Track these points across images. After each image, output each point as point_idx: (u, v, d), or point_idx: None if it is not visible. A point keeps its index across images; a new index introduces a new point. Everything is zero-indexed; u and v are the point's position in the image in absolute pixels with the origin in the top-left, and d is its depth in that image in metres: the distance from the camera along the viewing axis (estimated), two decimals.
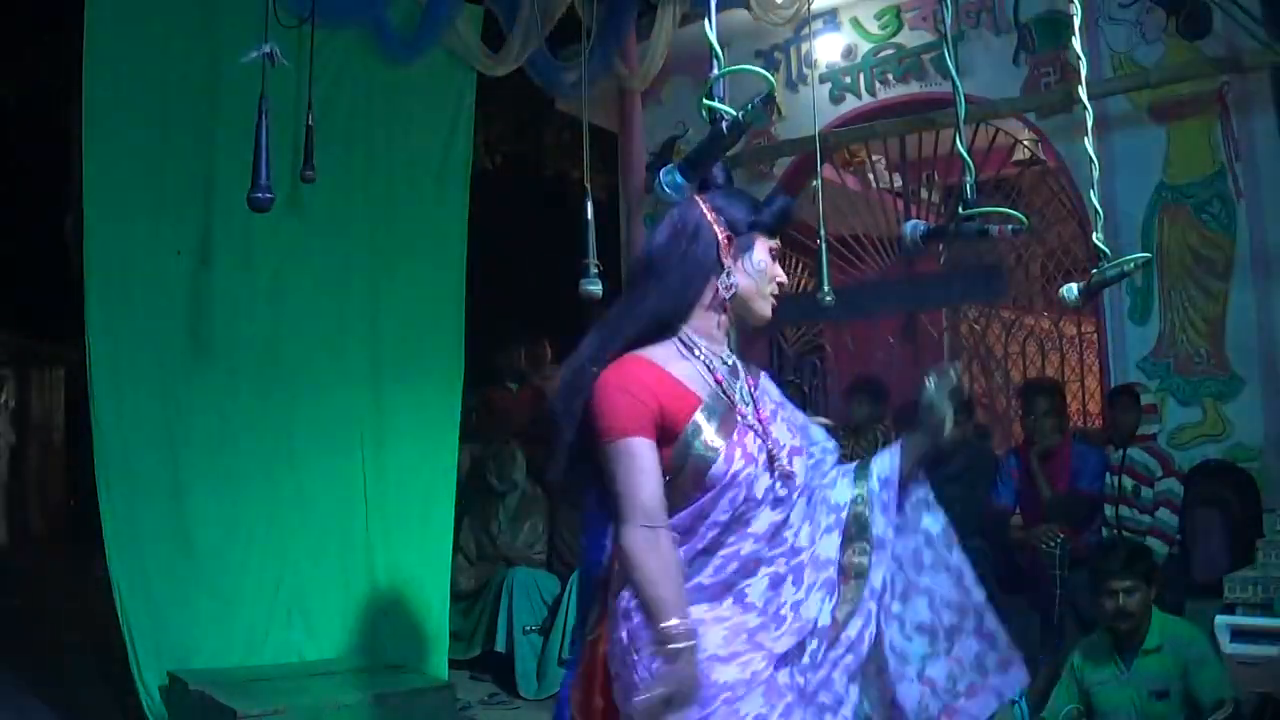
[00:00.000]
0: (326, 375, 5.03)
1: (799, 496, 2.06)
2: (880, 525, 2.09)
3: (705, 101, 2.06)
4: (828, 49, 6.38)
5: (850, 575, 2.06)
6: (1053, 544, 4.64)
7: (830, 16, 6.33)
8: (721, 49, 2.27)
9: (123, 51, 4.45)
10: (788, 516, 2.02)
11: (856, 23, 6.33)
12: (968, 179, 3.06)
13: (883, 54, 6.25)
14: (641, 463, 1.91)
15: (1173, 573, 4.49)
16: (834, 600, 2.04)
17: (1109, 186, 5.13)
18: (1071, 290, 3.10)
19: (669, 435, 1.94)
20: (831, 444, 2.24)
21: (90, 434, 4.53)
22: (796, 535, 2.04)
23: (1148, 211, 5.32)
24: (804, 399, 6.33)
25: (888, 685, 2.03)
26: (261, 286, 4.87)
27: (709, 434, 1.95)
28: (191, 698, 4.18)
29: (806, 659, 2.01)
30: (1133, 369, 5.35)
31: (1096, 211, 3.17)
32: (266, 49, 3.32)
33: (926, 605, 2.06)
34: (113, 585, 4.37)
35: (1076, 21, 3.27)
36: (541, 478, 6.16)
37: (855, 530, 2.09)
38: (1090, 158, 3.15)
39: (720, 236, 2.05)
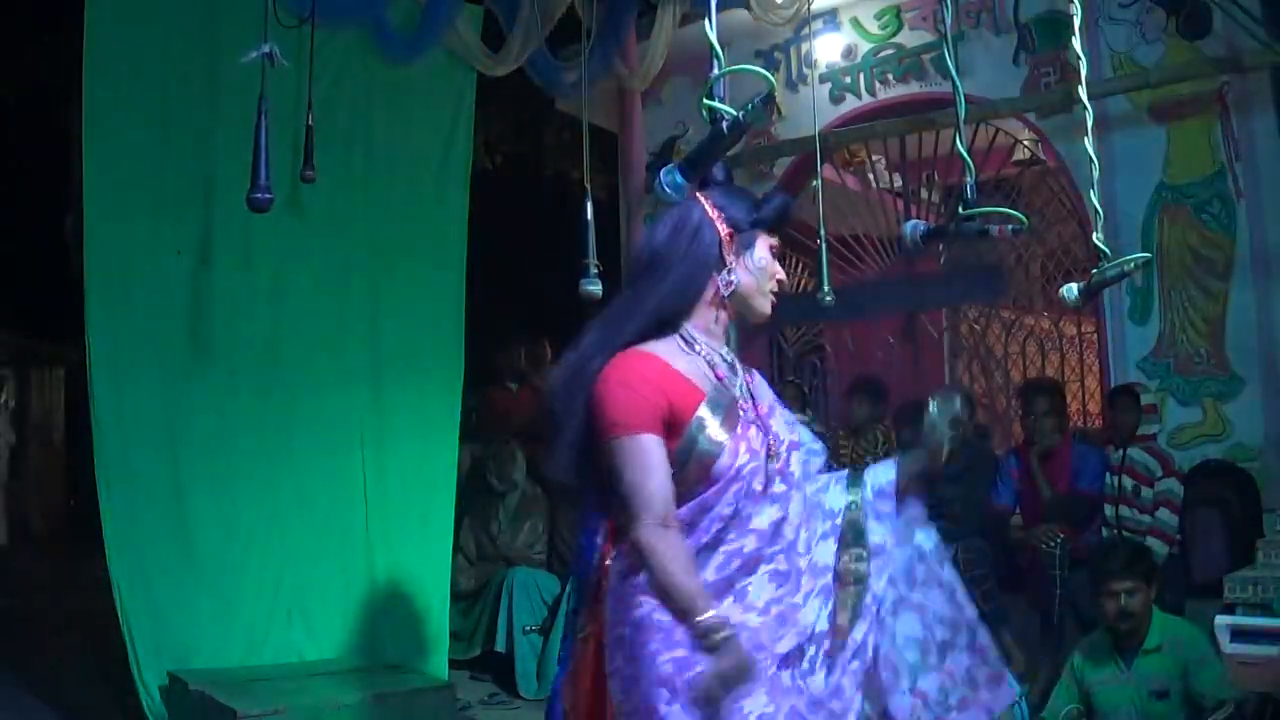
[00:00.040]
0: (326, 375, 5.03)
1: (795, 491, 2.06)
2: (878, 533, 2.10)
3: (705, 101, 2.06)
4: (828, 49, 6.38)
5: (848, 581, 2.06)
6: (1053, 544, 4.64)
7: (830, 16, 6.34)
8: (721, 49, 2.27)
9: (123, 51, 4.45)
10: (786, 513, 2.03)
11: (856, 23, 6.33)
12: (968, 179, 3.06)
13: (883, 54, 6.25)
14: (650, 459, 1.91)
15: (1173, 573, 4.49)
16: (830, 606, 2.05)
17: (1109, 186, 5.14)
18: (1071, 290, 3.10)
19: (674, 429, 1.94)
20: (819, 445, 2.25)
21: (90, 434, 4.53)
22: (796, 532, 2.05)
23: (1148, 211, 5.32)
24: (804, 399, 6.33)
25: (881, 697, 2.03)
26: (261, 286, 4.87)
27: (713, 428, 1.96)
28: (191, 698, 4.18)
29: (805, 664, 2.01)
30: (1133, 369, 5.35)
31: (1096, 211, 3.17)
32: (266, 49, 3.32)
33: (918, 620, 2.06)
34: (113, 585, 4.37)
35: (1076, 21, 3.27)
36: (541, 477, 6.16)
37: (851, 537, 2.09)
38: (1090, 158, 3.15)
39: (722, 234, 2.05)
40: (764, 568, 1.99)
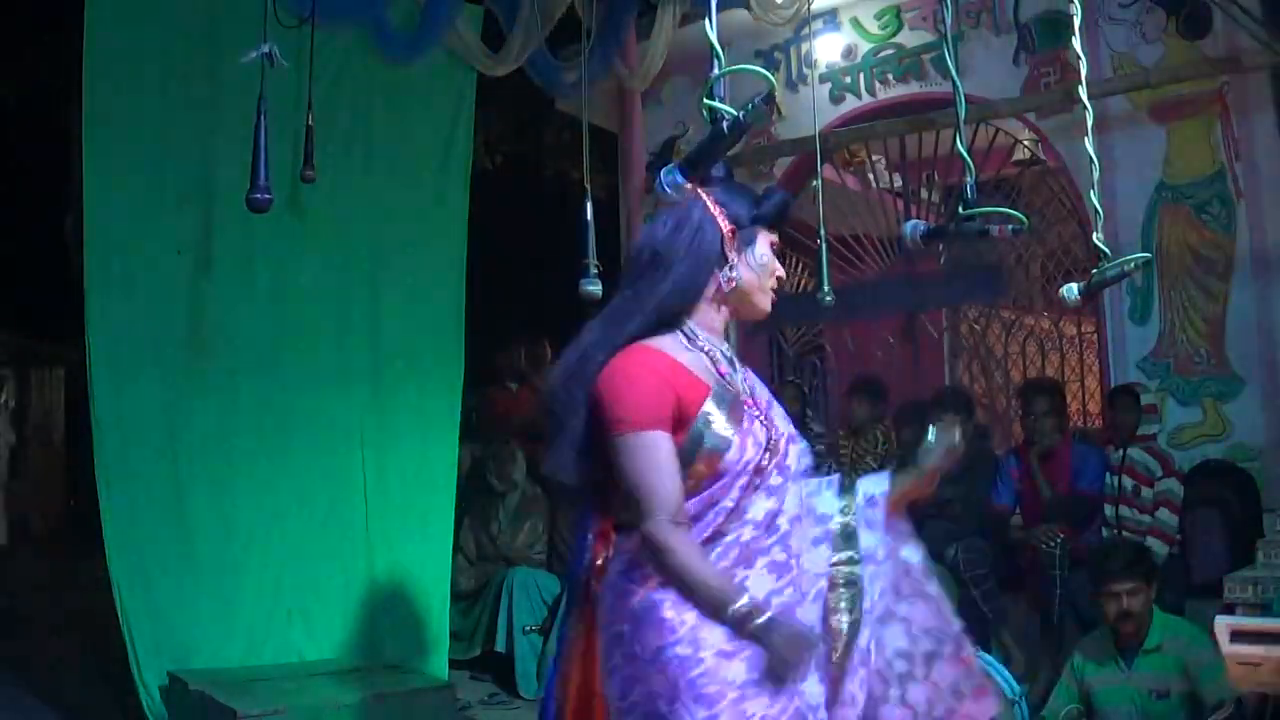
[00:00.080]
0: (326, 375, 5.03)
1: (790, 483, 2.07)
2: (870, 540, 2.09)
3: (706, 101, 2.06)
4: (828, 49, 6.38)
5: (839, 584, 2.05)
6: (1053, 544, 4.64)
7: (830, 16, 6.34)
8: (722, 49, 2.27)
9: (123, 51, 4.45)
10: (782, 505, 2.03)
11: (856, 23, 6.33)
12: (968, 179, 3.06)
13: (883, 54, 6.25)
14: (659, 455, 1.90)
15: (1173, 573, 4.49)
16: (822, 610, 2.04)
17: (1109, 186, 5.14)
18: (1071, 290, 3.10)
19: (681, 424, 1.94)
20: (804, 444, 2.24)
21: (90, 434, 4.53)
22: (790, 524, 2.04)
23: (1148, 211, 5.33)
24: (804, 399, 6.34)
25: (873, 706, 2.02)
26: (261, 286, 4.87)
27: (719, 423, 1.95)
28: (191, 698, 4.18)
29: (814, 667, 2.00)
30: (1133, 369, 5.35)
31: (1096, 211, 3.17)
32: (266, 49, 3.32)
33: (904, 632, 2.06)
34: (113, 585, 4.37)
35: (1076, 21, 3.27)
36: (541, 478, 6.16)
37: (843, 542, 2.09)
38: (1090, 158, 3.15)
39: (724, 230, 2.05)
40: (761, 560, 1.99)
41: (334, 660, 4.85)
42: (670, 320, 2.03)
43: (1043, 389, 5.26)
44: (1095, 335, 5.97)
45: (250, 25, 3.54)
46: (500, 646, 5.54)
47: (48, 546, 10.89)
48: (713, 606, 1.86)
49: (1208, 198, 5.19)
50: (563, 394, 2.00)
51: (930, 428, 2.15)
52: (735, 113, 2.04)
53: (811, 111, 5.11)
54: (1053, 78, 5.63)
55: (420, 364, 5.29)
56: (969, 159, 3.03)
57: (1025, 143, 6.43)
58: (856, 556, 2.07)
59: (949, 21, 3.36)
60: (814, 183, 4.82)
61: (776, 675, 1.84)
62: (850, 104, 6.37)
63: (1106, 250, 2.90)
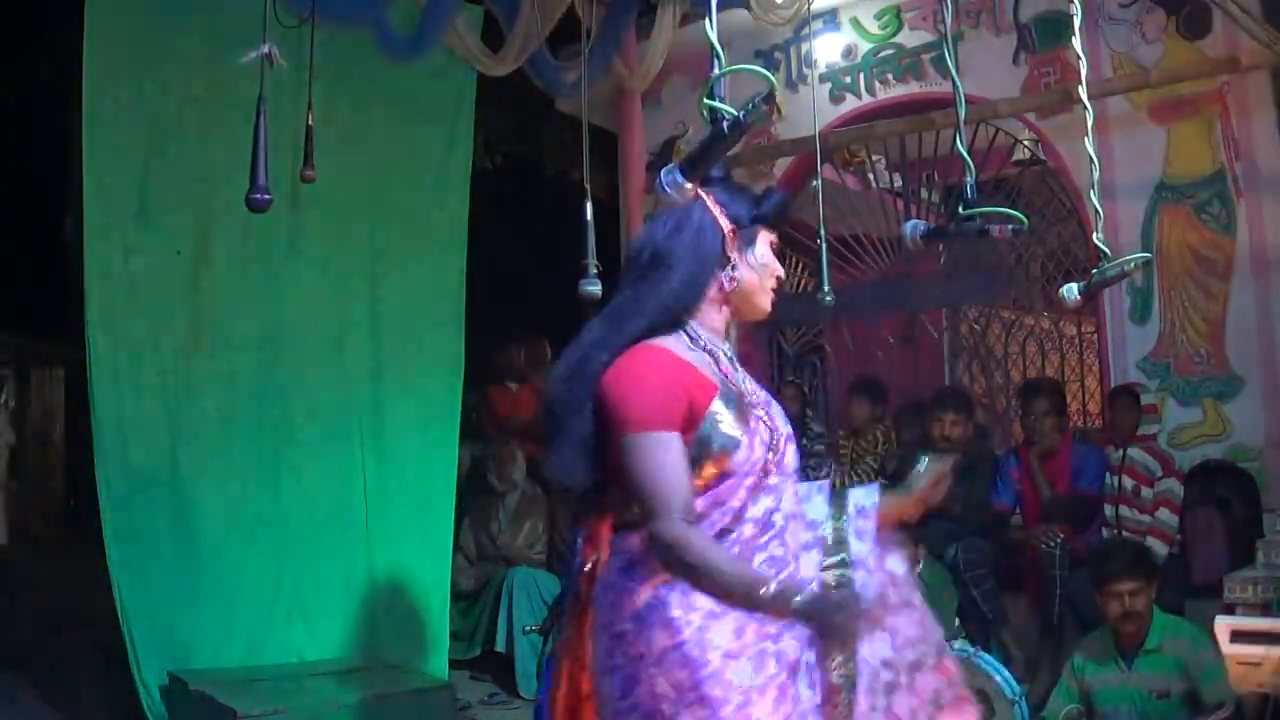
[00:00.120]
0: (326, 375, 5.03)
1: (786, 481, 2.07)
2: (861, 548, 2.08)
3: (705, 101, 2.06)
4: (828, 49, 6.38)
5: (830, 588, 2.04)
6: (1053, 544, 4.65)
7: (830, 16, 6.33)
8: (722, 49, 2.26)
9: (122, 51, 4.46)
10: (779, 503, 2.03)
11: (856, 23, 6.33)
12: (968, 179, 3.06)
13: (883, 54, 6.25)
14: (670, 455, 1.89)
15: (1173, 573, 4.49)
16: None
17: (1109, 186, 5.13)
18: (1071, 290, 3.10)
19: (690, 423, 1.93)
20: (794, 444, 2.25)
21: (90, 434, 4.53)
22: (785, 520, 2.04)
23: (1148, 211, 5.32)
24: (804, 399, 6.34)
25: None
26: (261, 286, 4.87)
27: (728, 422, 1.95)
28: (191, 698, 4.18)
29: (803, 673, 1.99)
30: (1133, 369, 5.35)
31: (1096, 211, 3.17)
32: (265, 49, 3.32)
33: (889, 642, 2.05)
34: (113, 585, 4.37)
35: (1076, 21, 3.27)
36: (541, 478, 6.17)
37: (834, 547, 2.08)
38: (1090, 158, 3.15)
39: (725, 230, 2.05)
40: (759, 556, 1.98)
41: (334, 660, 4.85)
42: (673, 321, 2.02)
43: (1043, 389, 5.27)
44: (1095, 335, 5.97)
45: (250, 25, 3.53)
46: (500, 646, 5.54)
47: (48, 546, 10.89)
48: (744, 594, 1.84)
49: (1208, 198, 5.19)
50: (565, 394, 1.99)
51: (922, 458, 2.16)
52: (735, 113, 2.04)
53: (811, 111, 5.11)
54: (1053, 78, 5.62)
55: (420, 364, 5.29)
56: (969, 159, 3.03)
57: (1025, 143, 6.43)
58: (848, 560, 2.06)
59: (949, 21, 3.36)
60: (814, 183, 4.82)
61: (837, 644, 1.83)
62: (850, 104, 6.36)
63: (1106, 250, 2.90)
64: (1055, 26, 5.55)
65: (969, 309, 7.08)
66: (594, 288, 4.24)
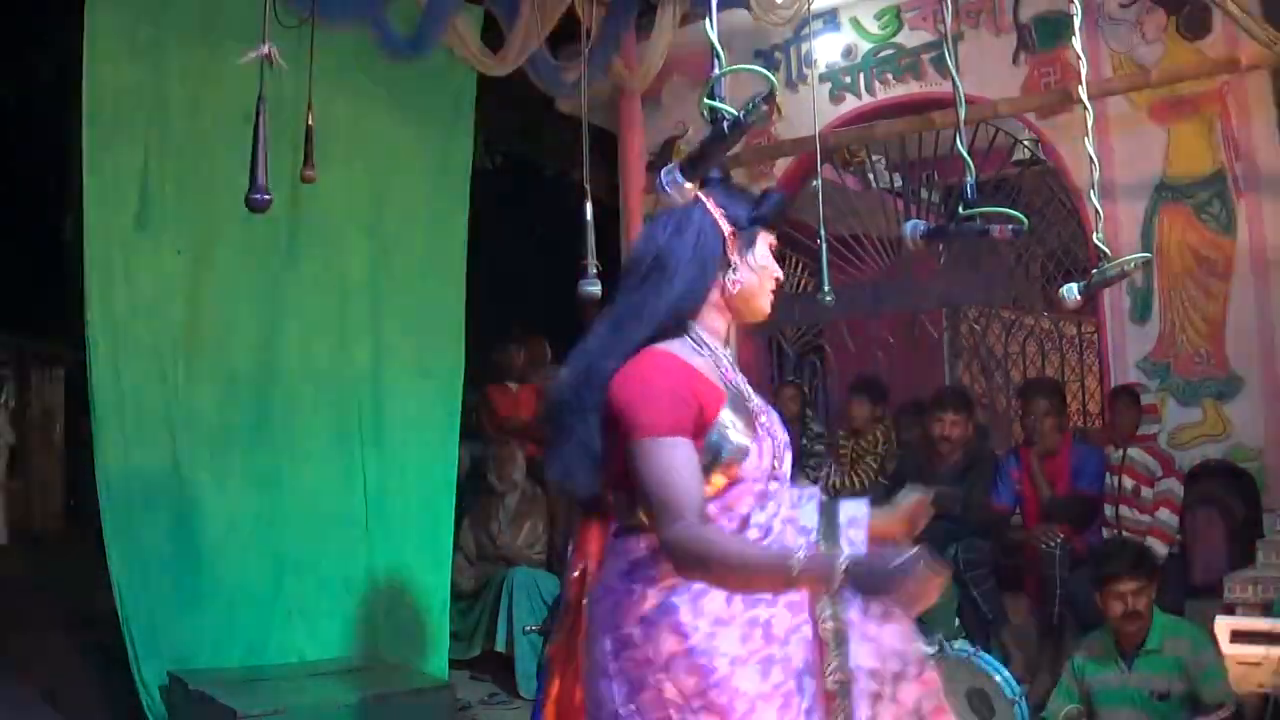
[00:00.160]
0: (326, 375, 5.03)
1: (783, 488, 2.06)
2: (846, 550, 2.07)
3: (706, 101, 2.06)
4: (828, 49, 6.38)
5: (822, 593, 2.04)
6: (1053, 544, 4.65)
7: (830, 16, 6.33)
8: (722, 49, 2.26)
9: (122, 51, 4.46)
10: (779, 509, 2.02)
11: (856, 23, 6.32)
12: (968, 179, 3.06)
13: (883, 54, 6.25)
14: (684, 459, 1.86)
15: (1173, 573, 4.49)
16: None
17: (1109, 186, 5.14)
18: (1071, 290, 3.11)
19: (700, 431, 1.91)
20: None
21: (90, 434, 4.53)
22: (783, 525, 2.03)
23: (1148, 211, 5.32)
24: (804, 399, 6.34)
25: None
26: (261, 286, 4.88)
27: (737, 430, 1.94)
28: (191, 698, 4.18)
29: (805, 683, 1.99)
30: (1133, 369, 5.35)
31: (1097, 211, 3.18)
32: (265, 49, 3.32)
33: (874, 652, 2.04)
34: (113, 585, 4.37)
35: (1076, 21, 3.27)
36: (541, 478, 6.17)
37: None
38: (1090, 158, 3.15)
39: (725, 232, 2.04)
40: None
41: (334, 660, 4.85)
42: (679, 324, 2.00)
43: (1043, 389, 5.27)
44: (1095, 335, 5.97)
45: (250, 25, 3.54)
46: (500, 646, 5.55)
47: (48, 546, 10.89)
48: (774, 575, 1.78)
49: (1208, 198, 5.19)
50: (573, 401, 1.96)
51: (904, 490, 2.19)
52: (735, 113, 2.04)
53: (811, 111, 5.11)
54: (1053, 78, 5.62)
55: (420, 364, 5.29)
56: (969, 159, 3.03)
57: (1025, 143, 6.43)
58: None
59: (949, 21, 3.37)
60: (814, 183, 4.82)
61: (909, 605, 1.74)
62: (850, 104, 6.36)
63: (1106, 250, 2.90)
64: (1055, 26, 5.55)
65: (969, 309, 7.08)
66: (594, 288, 4.24)
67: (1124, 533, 4.74)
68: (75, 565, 6.98)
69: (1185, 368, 5.23)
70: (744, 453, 1.93)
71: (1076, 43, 3.36)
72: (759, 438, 1.97)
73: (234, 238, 4.68)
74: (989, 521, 5.09)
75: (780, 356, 7.12)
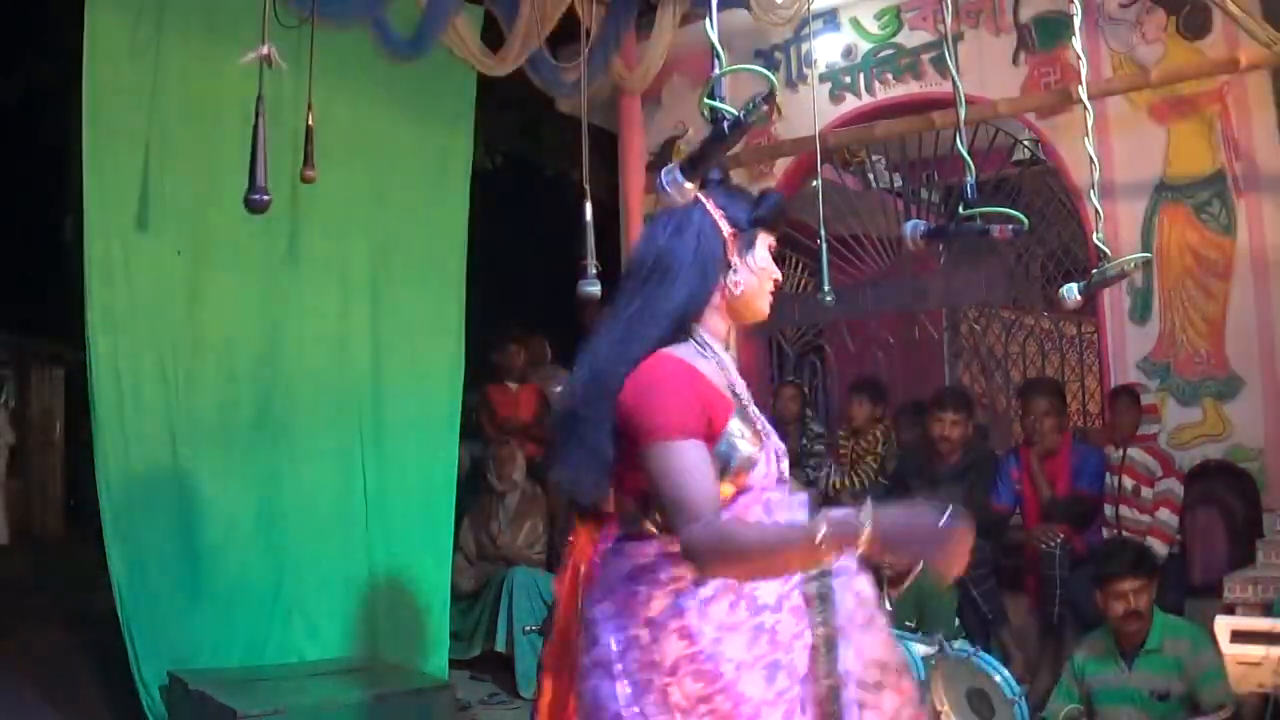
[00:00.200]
0: (326, 375, 5.03)
1: (779, 493, 2.05)
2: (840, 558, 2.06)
3: (706, 101, 2.05)
4: (828, 49, 6.38)
5: (812, 597, 2.03)
6: (1053, 544, 4.65)
7: (830, 16, 6.33)
8: (722, 49, 2.26)
9: (123, 51, 4.46)
10: (777, 512, 2.02)
11: (856, 23, 6.32)
12: (968, 179, 3.06)
13: (882, 54, 6.25)
14: (699, 461, 1.85)
15: (1173, 573, 4.49)
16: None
17: (1109, 186, 5.14)
18: (1071, 290, 3.11)
19: (709, 439, 1.90)
20: None
21: (90, 434, 4.53)
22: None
23: (1148, 211, 5.32)
24: (804, 399, 6.34)
25: None
26: (261, 286, 4.88)
27: (746, 439, 1.93)
28: (191, 698, 4.18)
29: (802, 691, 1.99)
30: (1133, 369, 5.35)
31: (1097, 211, 3.18)
32: (264, 50, 3.32)
33: (857, 660, 2.04)
34: (113, 585, 4.37)
35: (1076, 21, 3.28)
36: (542, 478, 6.17)
37: None
38: (1090, 158, 3.15)
39: (725, 234, 2.03)
40: None
41: (334, 660, 4.85)
42: (684, 328, 1.99)
43: (1043, 389, 5.27)
44: (1095, 335, 5.97)
45: (250, 25, 3.54)
46: (500, 646, 5.55)
47: (48, 546, 10.89)
48: (804, 548, 1.73)
49: (1208, 198, 5.18)
50: (584, 409, 1.94)
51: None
52: (735, 113, 2.03)
53: (811, 111, 5.11)
54: (1053, 78, 5.62)
55: (420, 364, 5.29)
56: (969, 159, 3.03)
57: (1025, 143, 6.43)
58: (828, 571, 2.04)
59: (949, 21, 3.36)
60: (814, 183, 4.82)
61: (942, 561, 1.67)
62: (850, 104, 6.36)
63: (1106, 250, 2.90)
64: (1055, 26, 5.55)
65: (969, 309, 7.08)
66: (594, 288, 4.24)
67: (1124, 533, 4.74)
68: (75, 565, 6.99)
69: (1185, 368, 5.23)
70: (752, 463, 1.92)
71: (1076, 43, 3.37)
72: (765, 447, 1.96)
73: (234, 238, 4.68)
74: (989, 521, 5.08)
75: (780, 356, 7.12)
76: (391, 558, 5.11)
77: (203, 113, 4.62)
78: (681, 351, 1.96)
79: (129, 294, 4.52)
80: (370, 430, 5.13)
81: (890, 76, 6.23)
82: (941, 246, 6.32)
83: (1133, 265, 2.87)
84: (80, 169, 4.39)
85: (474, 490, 6.06)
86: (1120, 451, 4.91)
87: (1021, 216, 3.13)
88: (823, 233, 4.64)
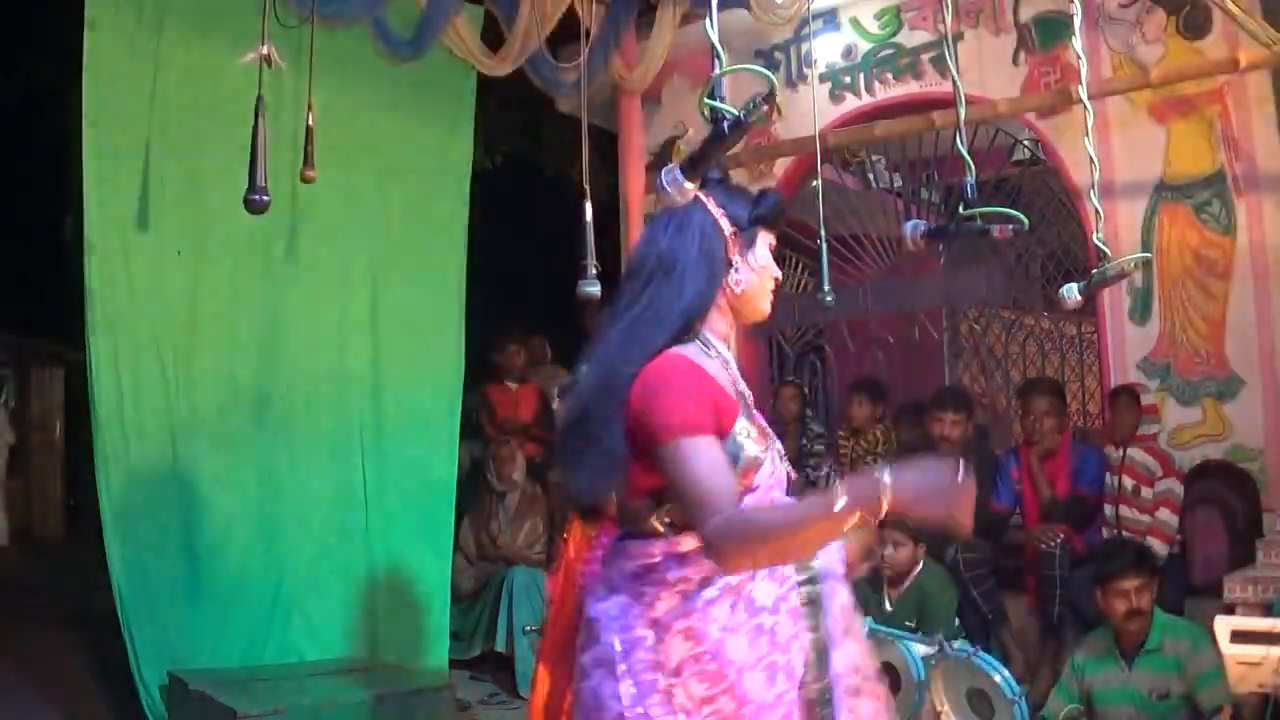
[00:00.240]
0: (326, 376, 5.04)
1: (777, 493, 2.05)
2: (826, 558, 2.05)
3: (706, 101, 2.05)
4: (828, 49, 6.38)
5: (803, 602, 2.03)
6: (1053, 544, 4.65)
7: (830, 16, 6.33)
8: (722, 49, 2.26)
9: (122, 51, 4.46)
10: None
11: (856, 23, 6.32)
12: (968, 179, 3.06)
13: (882, 54, 6.25)
14: (717, 457, 1.84)
15: (1173, 573, 4.49)
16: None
17: (1109, 186, 5.14)
18: (1071, 290, 3.11)
19: (721, 436, 1.89)
20: None
21: (90, 434, 4.53)
22: None
23: (1148, 211, 5.32)
24: (804, 399, 6.34)
25: None
26: (261, 287, 4.88)
27: (752, 439, 1.93)
28: (191, 698, 4.18)
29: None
30: (1133, 369, 5.35)
31: (1097, 211, 3.18)
32: (264, 50, 3.32)
33: (843, 662, 2.04)
34: (113, 585, 4.37)
35: (1076, 21, 3.28)
36: (542, 478, 6.18)
37: (801, 561, 2.06)
38: (1090, 158, 3.15)
39: (726, 232, 2.03)
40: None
41: (334, 660, 4.85)
42: (690, 328, 1.98)
43: (1043, 389, 5.27)
44: (1095, 335, 5.97)
45: (250, 25, 3.54)
46: (500, 646, 5.55)
47: (48, 546, 10.90)
48: (826, 520, 1.70)
49: (1208, 198, 5.18)
50: (595, 411, 1.93)
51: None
52: (736, 113, 2.03)
53: (812, 111, 5.11)
54: (1053, 78, 5.62)
55: (420, 364, 5.30)
56: (969, 159, 3.03)
57: (1025, 143, 6.43)
58: (816, 576, 2.04)
59: (949, 21, 3.36)
60: (814, 183, 4.82)
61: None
62: (850, 104, 6.36)
63: (1106, 250, 2.90)
64: (1055, 26, 5.55)
65: (969, 309, 7.08)
66: (593, 288, 4.24)
67: (1124, 533, 4.74)
68: (75, 565, 6.99)
69: (1185, 368, 5.23)
70: (759, 463, 1.92)
71: (1076, 43, 3.37)
72: (770, 447, 1.97)
73: (234, 238, 4.69)
74: (989, 521, 5.09)
75: (780, 356, 7.12)
76: (391, 558, 5.11)
77: (203, 113, 4.62)
78: (688, 351, 1.96)
79: (129, 294, 4.52)
80: (370, 430, 5.13)
81: (890, 76, 6.23)
82: (941, 246, 6.32)
83: (1133, 265, 2.87)
84: (80, 169, 4.39)
85: (474, 490, 6.06)
86: (1120, 451, 4.91)
87: (1021, 216, 3.13)
88: (823, 233, 4.64)
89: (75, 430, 11.00)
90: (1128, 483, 4.84)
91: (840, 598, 2.06)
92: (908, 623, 4.31)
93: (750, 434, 1.94)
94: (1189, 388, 5.21)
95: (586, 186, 4.54)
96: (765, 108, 1.88)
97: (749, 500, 1.92)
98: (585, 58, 5.03)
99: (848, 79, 6.38)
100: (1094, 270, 3.17)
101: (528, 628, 5.47)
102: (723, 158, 2.14)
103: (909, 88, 6.17)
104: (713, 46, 2.17)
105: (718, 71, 2.10)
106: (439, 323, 5.37)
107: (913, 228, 3.27)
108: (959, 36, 5.67)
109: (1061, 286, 3.17)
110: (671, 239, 2.02)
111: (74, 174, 4.51)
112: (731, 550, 1.77)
